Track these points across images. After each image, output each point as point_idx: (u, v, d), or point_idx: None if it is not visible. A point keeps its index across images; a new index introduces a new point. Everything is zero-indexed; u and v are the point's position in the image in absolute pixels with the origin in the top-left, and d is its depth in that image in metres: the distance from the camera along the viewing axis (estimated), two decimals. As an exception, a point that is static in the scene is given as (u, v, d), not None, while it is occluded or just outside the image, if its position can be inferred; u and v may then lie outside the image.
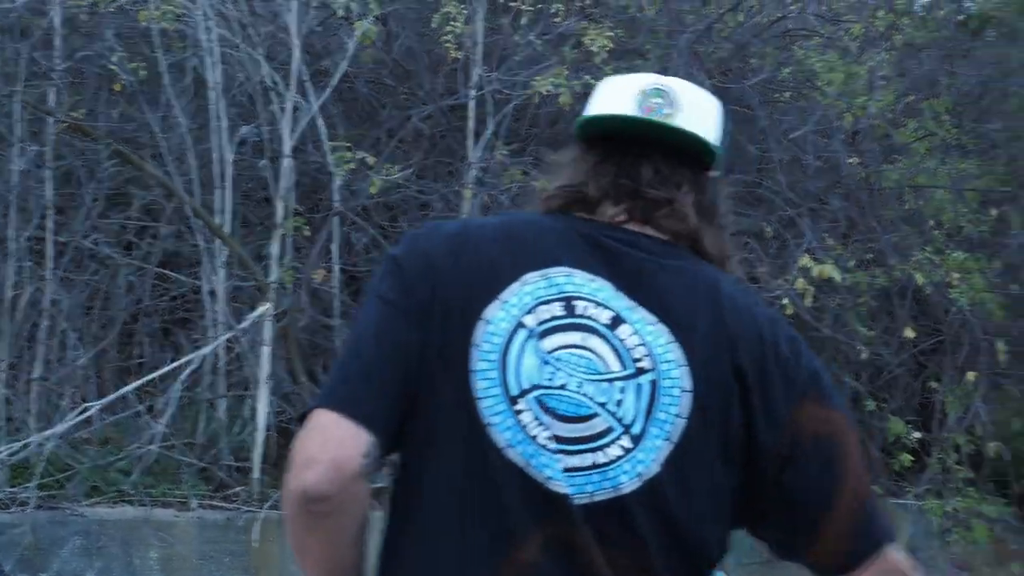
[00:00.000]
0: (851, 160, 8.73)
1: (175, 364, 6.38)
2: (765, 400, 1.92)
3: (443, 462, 1.89)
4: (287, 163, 6.80)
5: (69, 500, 6.07)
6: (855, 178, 9.03)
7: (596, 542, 1.85)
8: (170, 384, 6.50)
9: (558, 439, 1.87)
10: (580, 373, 1.90)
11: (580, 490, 1.86)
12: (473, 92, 7.42)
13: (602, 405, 1.89)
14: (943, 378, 10.18)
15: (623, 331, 1.92)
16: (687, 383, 1.91)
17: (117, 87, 6.77)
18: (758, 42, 8.74)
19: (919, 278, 8.55)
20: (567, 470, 1.86)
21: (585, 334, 1.92)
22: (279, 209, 6.79)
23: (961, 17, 10.49)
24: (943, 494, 9.99)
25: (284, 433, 6.99)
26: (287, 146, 6.73)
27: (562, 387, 1.89)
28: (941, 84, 10.09)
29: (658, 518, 1.87)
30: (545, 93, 6.85)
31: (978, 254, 9.21)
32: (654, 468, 1.88)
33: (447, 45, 6.93)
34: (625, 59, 7.94)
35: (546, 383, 1.89)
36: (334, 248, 7.32)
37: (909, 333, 8.82)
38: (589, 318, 1.92)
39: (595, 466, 1.88)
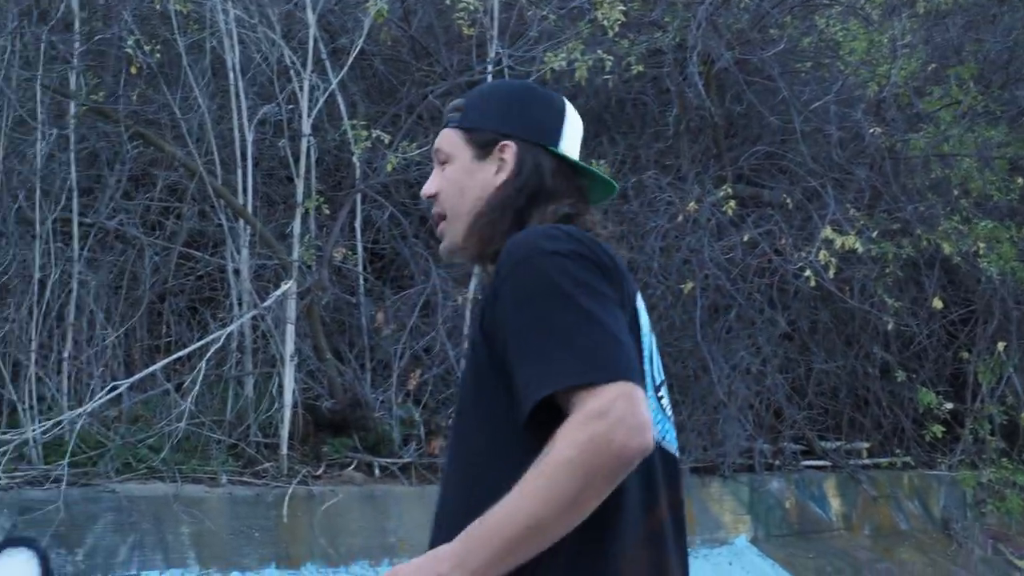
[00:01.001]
0: (874, 130, 8.67)
1: (201, 343, 6.43)
2: None
3: None
4: (306, 142, 6.83)
5: (101, 477, 6.13)
6: (879, 147, 8.98)
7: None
8: (197, 362, 6.55)
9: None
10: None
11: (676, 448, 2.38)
12: (490, 67, 7.44)
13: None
14: (974, 348, 10.15)
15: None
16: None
17: (134, 69, 6.80)
18: (777, 12, 8.71)
19: (946, 247, 8.49)
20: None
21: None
22: (300, 188, 6.83)
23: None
24: (977, 465, 9.97)
25: (310, 410, 7.05)
26: (306, 125, 6.76)
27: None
28: (967, 51, 10.03)
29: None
30: (558, 68, 6.87)
31: (1008, 222, 9.16)
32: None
33: (460, 22, 6.96)
34: (644, 31, 7.95)
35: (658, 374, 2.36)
36: (356, 226, 7.35)
37: (937, 304, 8.77)
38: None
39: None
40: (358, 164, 6.94)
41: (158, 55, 6.92)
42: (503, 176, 2.44)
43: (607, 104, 8.61)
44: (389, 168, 6.58)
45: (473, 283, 7.26)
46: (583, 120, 2.59)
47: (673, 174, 8.25)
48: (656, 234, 7.67)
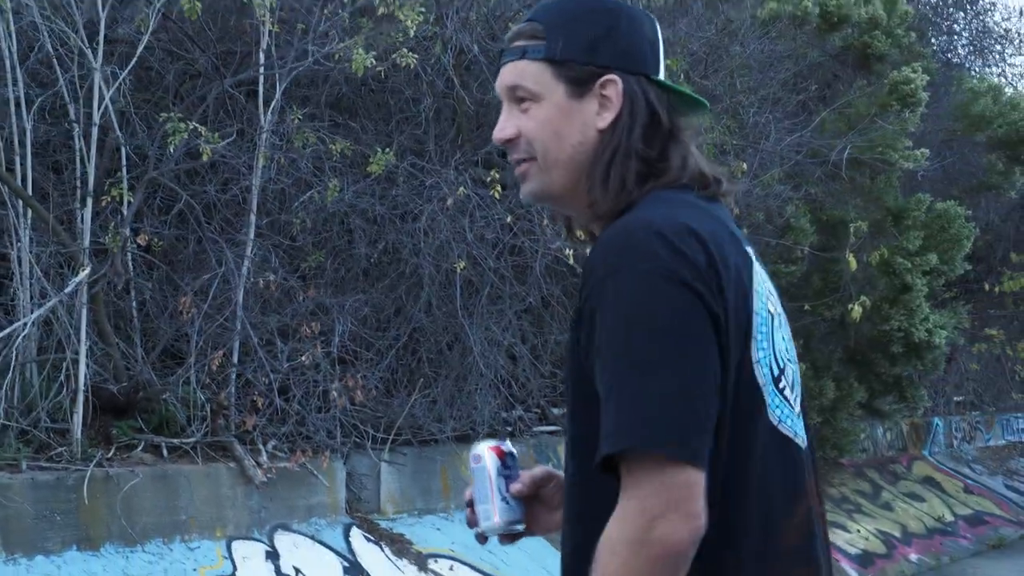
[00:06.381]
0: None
1: (9, 329, 6.46)
2: None
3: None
4: (96, 131, 6.92)
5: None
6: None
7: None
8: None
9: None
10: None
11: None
12: (262, 59, 7.72)
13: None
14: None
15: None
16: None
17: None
18: (518, 6, 9.29)
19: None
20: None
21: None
22: (91, 176, 6.92)
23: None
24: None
25: (95, 393, 7.13)
26: (96, 115, 6.86)
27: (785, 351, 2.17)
28: (675, 44, 10.85)
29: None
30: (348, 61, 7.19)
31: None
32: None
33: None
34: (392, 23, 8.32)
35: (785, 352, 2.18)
36: (127, 213, 7.45)
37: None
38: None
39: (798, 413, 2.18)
40: (152, 153, 7.07)
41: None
42: (608, 116, 2.13)
43: (358, 90, 8.97)
44: (204, 158, 6.76)
45: (245, 266, 7.54)
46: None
47: (426, 159, 8.71)
48: (426, 217, 8.14)
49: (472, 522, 2.33)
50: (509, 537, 2.33)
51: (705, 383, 1.92)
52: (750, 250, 2.15)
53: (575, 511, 2.11)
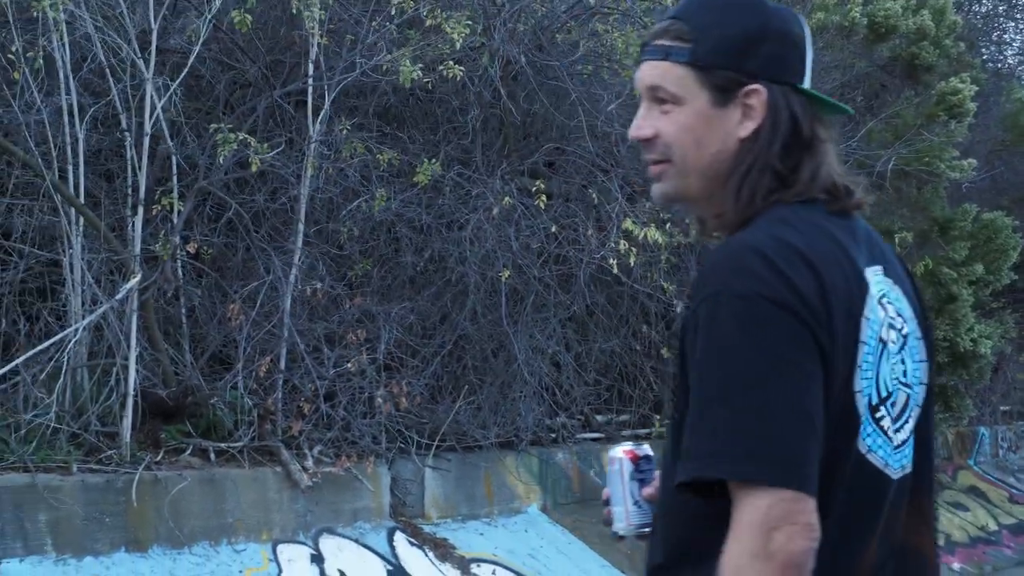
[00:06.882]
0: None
1: (61, 335, 6.60)
2: None
3: None
4: (147, 141, 7.04)
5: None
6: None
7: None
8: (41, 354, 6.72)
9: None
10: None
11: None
12: (311, 70, 7.83)
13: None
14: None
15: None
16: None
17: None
18: (566, 17, 9.37)
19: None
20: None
21: None
22: (142, 185, 7.05)
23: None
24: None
25: (145, 397, 7.25)
26: (148, 125, 6.97)
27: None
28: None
29: None
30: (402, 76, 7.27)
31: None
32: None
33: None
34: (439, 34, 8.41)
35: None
36: (177, 221, 7.57)
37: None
38: None
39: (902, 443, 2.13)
40: (203, 163, 7.18)
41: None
42: (751, 126, 2.10)
43: (405, 100, 9.06)
44: (254, 168, 6.86)
45: (293, 274, 7.64)
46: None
47: (472, 169, 8.79)
48: (472, 226, 8.22)
49: (607, 521, 2.39)
50: (643, 537, 2.35)
51: (809, 408, 1.89)
52: (871, 272, 2.09)
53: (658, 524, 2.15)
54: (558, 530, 9.01)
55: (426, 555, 7.84)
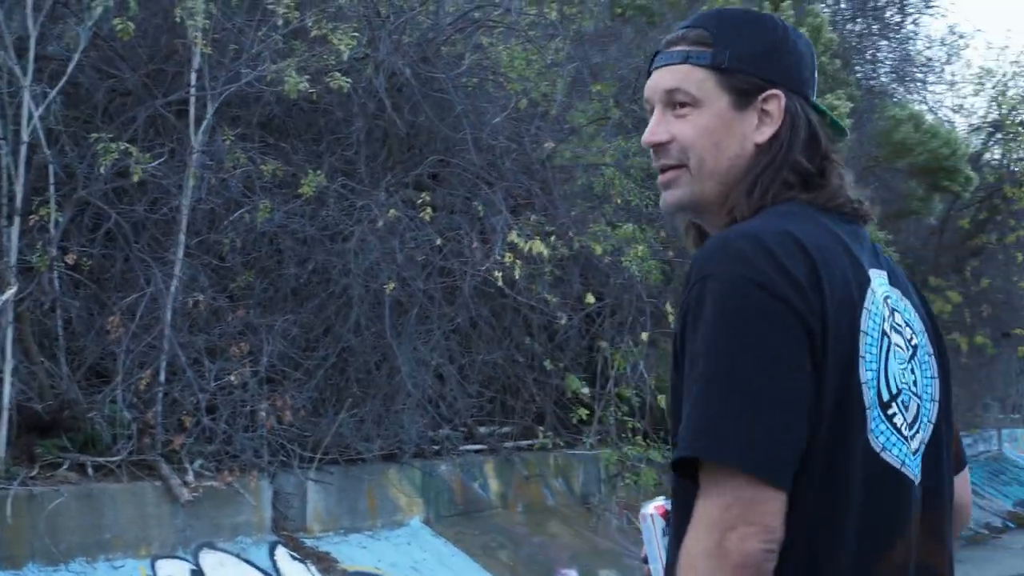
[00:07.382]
0: (548, 143, 9.47)
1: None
2: None
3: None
4: (25, 150, 6.92)
5: None
6: (536, 157, 9.80)
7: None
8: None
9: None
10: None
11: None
12: (193, 79, 7.74)
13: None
14: (607, 338, 11.16)
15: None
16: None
17: None
18: (450, 30, 9.39)
19: (597, 248, 9.38)
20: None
21: None
22: (19, 195, 6.91)
23: (619, 9, 11.51)
24: (616, 443, 10.98)
25: (21, 411, 7.11)
26: (25, 133, 6.85)
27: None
28: (606, 71, 11.02)
29: None
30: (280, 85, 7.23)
31: (644, 226, 10.19)
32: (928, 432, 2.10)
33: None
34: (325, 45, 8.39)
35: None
36: (55, 232, 7.44)
37: (590, 299, 9.68)
38: None
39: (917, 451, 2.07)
40: (81, 173, 7.06)
41: None
42: (768, 131, 2.09)
43: (290, 111, 9.00)
44: (135, 178, 6.75)
45: (174, 285, 7.55)
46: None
47: (357, 181, 8.77)
48: (357, 238, 8.19)
49: None
50: None
51: (788, 397, 1.85)
52: (874, 273, 2.07)
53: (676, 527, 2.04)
54: (441, 542, 9.01)
55: (308, 569, 7.79)
